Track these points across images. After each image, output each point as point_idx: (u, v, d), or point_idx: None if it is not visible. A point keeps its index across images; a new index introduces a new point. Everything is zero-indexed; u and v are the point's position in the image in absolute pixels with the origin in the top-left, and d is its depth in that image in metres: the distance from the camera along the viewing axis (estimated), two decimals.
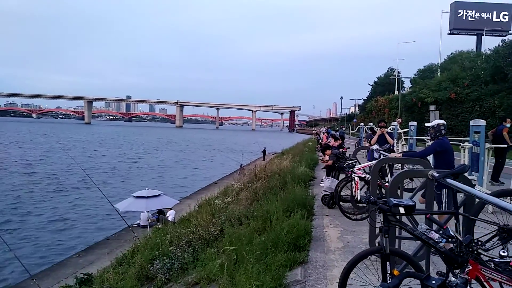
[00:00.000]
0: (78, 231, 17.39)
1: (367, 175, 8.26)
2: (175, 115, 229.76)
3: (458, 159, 9.25)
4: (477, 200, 3.96)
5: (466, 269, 2.66)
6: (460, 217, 4.09)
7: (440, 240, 2.81)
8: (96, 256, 12.94)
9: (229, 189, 15.90)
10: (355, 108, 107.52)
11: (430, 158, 7.19)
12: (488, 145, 9.88)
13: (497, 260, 2.65)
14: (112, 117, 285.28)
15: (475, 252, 2.70)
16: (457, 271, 2.72)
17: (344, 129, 41.54)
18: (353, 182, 8.22)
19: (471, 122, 10.18)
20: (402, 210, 3.10)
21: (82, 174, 33.32)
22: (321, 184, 9.99)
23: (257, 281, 4.61)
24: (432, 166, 5.55)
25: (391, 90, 73.77)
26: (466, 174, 4.61)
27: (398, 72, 73.84)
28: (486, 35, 65.69)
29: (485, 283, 2.75)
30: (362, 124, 34.58)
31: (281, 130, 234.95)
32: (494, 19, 66.27)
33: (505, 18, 66.58)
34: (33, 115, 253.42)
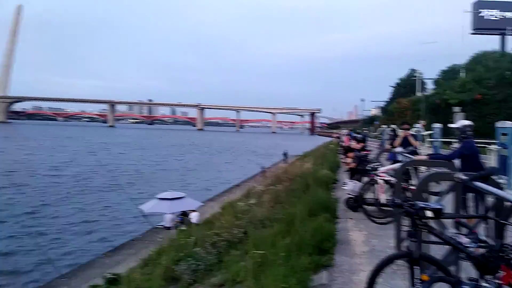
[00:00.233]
0: (105, 232, 17.79)
1: (391, 178, 8.19)
2: (196, 118, 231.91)
3: (485, 162, 9.07)
4: (506, 203, 3.90)
5: (498, 275, 2.63)
6: (490, 221, 4.03)
7: (471, 245, 2.79)
8: (123, 257, 13.22)
9: (252, 192, 15.98)
10: (376, 110, 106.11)
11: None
12: None
13: None
14: (135, 120, 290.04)
15: (508, 257, 2.67)
16: (488, 276, 2.69)
17: (366, 131, 41.10)
18: (377, 185, 8.17)
19: (498, 124, 9.96)
20: (429, 213, 3.09)
21: (108, 176, 34.17)
22: (343, 187, 9.95)
23: (283, 283, 4.65)
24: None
25: (413, 92, 72.49)
26: (494, 177, 4.54)
27: (420, 73, 72.48)
28: (510, 35, 63.76)
29: None
30: (384, 126, 34.13)
31: (302, 132, 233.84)
32: None
33: None
34: (59, 118, 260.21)
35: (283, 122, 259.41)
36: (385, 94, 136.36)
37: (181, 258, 8.40)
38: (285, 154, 40.93)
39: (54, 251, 15.13)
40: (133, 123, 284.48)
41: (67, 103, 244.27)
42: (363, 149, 13.64)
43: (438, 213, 3.08)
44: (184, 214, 17.43)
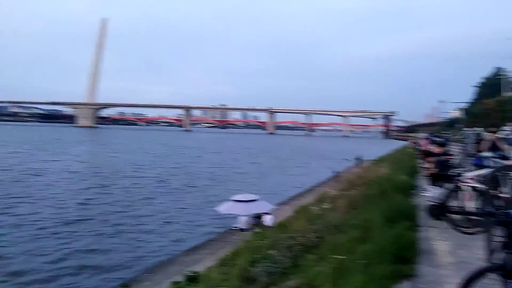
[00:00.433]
0: (183, 232, 18.69)
1: (479, 185, 7.64)
2: (267, 122, 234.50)
3: None
4: None
5: None
6: None
7: None
8: (200, 256, 13.80)
9: (325, 196, 15.82)
10: (456, 112, 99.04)
11: None
12: None
13: None
14: (208, 125, 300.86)
15: None
16: None
17: (447, 134, 38.58)
18: (462, 192, 7.67)
19: None
20: None
21: (185, 178, 35.89)
22: (423, 194, 9.45)
23: None
24: None
25: (498, 92, 66.60)
26: None
27: (506, 72, 66.40)
28: None
29: None
30: (467, 129, 31.80)
31: (375, 136, 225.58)
32: None
33: None
34: (140, 123, 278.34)
35: (355, 125, 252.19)
36: (466, 95, 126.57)
37: (256, 259, 8.56)
38: (358, 159, 39.88)
39: (137, 248, 16.22)
40: (207, 127, 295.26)
41: (147, 109, 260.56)
42: (445, 153, 12.89)
43: None
44: (258, 216, 17.74)
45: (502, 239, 3.00)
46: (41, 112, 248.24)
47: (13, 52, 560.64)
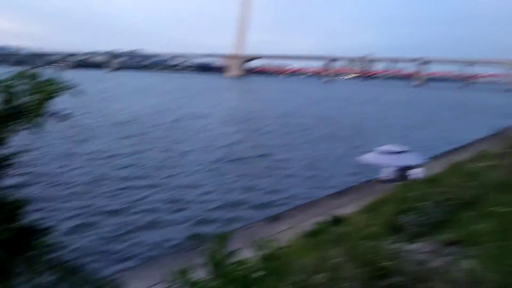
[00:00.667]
0: (329, 178, 19.22)
1: None
2: (415, 73, 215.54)
3: None
4: None
5: None
6: None
7: None
8: (345, 201, 14.08)
9: (484, 154, 14.22)
10: None
11: None
12: None
13: None
14: (351, 76, 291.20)
15: None
16: None
17: None
18: None
19: None
20: None
21: (330, 128, 36.18)
22: None
23: None
24: None
25: None
26: None
27: None
28: None
29: None
30: None
31: None
32: None
33: None
34: (282, 74, 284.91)
35: None
36: None
37: (403, 210, 8.37)
38: None
39: (283, 190, 17.35)
40: (349, 78, 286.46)
41: (290, 60, 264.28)
42: None
43: None
44: (406, 168, 17.02)
45: None
46: (195, 64, 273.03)
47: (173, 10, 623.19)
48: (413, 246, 6.37)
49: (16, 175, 6.81)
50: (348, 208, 12.04)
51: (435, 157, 21.23)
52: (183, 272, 6.23)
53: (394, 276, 4.20)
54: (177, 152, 24.37)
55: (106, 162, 21.55)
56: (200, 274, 6.24)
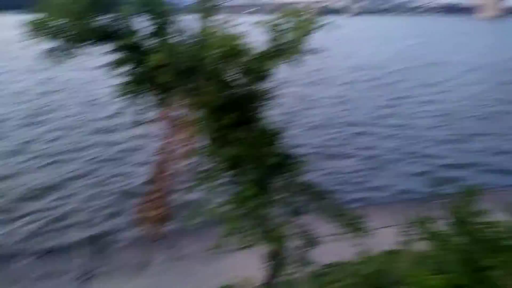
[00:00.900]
0: None
1: None
2: None
3: None
4: None
5: None
6: None
7: None
8: None
9: None
10: None
11: None
12: None
13: None
14: None
15: None
16: None
17: None
18: None
19: None
20: None
21: None
22: None
23: None
24: None
25: None
26: None
27: None
28: None
29: None
30: None
31: None
32: None
33: None
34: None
35: None
36: None
37: None
38: None
39: None
40: None
41: None
42: None
43: None
44: None
45: None
46: (441, 4, 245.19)
47: None
48: None
49: (274, 106, 7.87)
50: None
51: None
52: (423, 221, 6.12)
53: None
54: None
55: None
56: (440, 226, 6.02)
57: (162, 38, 7.52)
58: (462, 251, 5.18)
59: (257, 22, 7.51)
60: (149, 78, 7.66)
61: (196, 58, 7.23)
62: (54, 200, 17.44)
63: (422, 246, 5.93)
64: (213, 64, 7.26)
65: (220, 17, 7.46)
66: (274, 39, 7.51)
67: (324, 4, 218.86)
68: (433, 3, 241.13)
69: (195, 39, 7.52)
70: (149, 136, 20.03)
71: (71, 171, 19.92)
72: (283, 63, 7.51)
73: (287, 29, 7.34)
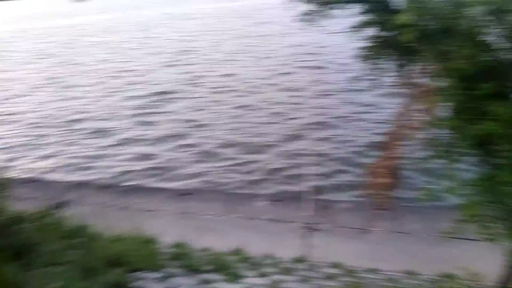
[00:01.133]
0: None
1: None
2: None
3: None
4: None
5: None
6: None
7: None
8: None
9: None
10: None
11: None
12: None
13: None
14: None
15: None
16: None
17: None
18: None
19: None
20: None
21: None
22: None
23: None
24: None
25: None
26: None
27: None
28: None
29: None
30: None
31: None
32: None
33: None
34: None
35: None
36: None
37: None
38: None
39: None
40: None
41: None
42: None
43: None
44: None
45: None
46: None
47: None
48: None
49: None
50: None
51: None
52: None
53: None
54: None
55: None
56: None
57: None
58: None
59: None
60: (393, 42, 7.24)
61: (451, 17, 6.33)
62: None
63: None
64: (472, 23, 6.22)
65: None
66: None
67: None
68: None
69: None
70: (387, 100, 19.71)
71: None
72: None
73: None
